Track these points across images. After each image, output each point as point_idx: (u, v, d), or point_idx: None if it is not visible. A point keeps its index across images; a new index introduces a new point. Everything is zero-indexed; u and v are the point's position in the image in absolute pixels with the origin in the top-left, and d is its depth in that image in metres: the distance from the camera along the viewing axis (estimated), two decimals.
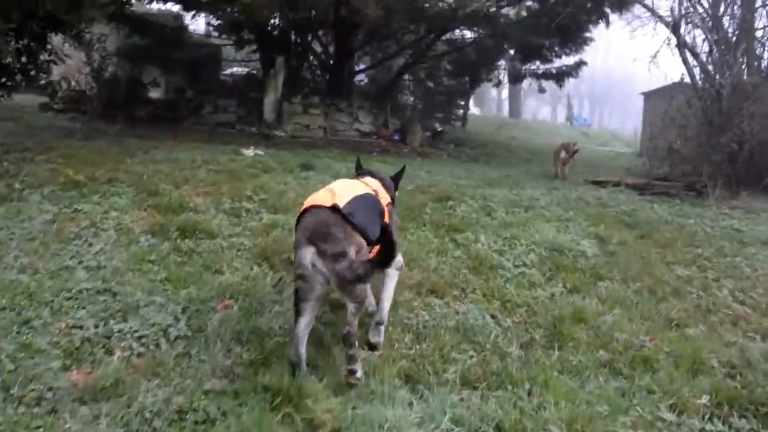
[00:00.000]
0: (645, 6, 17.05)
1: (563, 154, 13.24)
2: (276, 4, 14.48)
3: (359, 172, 4.59)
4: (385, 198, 4.10)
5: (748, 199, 10.83)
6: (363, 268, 3.23)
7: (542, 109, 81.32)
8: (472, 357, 3.89)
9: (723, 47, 14.09)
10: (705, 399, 3.56)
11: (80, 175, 7.16)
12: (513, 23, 19.07)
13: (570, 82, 23.88)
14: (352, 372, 3.41)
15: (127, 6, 14.66)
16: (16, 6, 8.13)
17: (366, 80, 25.17)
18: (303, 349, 3.41)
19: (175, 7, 18.82)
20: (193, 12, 18.81)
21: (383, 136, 18.47)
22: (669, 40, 15.28)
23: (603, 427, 3.19)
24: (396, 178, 4.64)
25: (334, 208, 3.46)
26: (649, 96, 26.61)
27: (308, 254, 3.31)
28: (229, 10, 16.61)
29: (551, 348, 4.14)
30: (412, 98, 26.76)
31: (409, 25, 19.36)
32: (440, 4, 17.31)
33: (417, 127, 19.17)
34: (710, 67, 14.39)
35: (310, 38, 20.24)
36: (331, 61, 20.75)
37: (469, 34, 21.86)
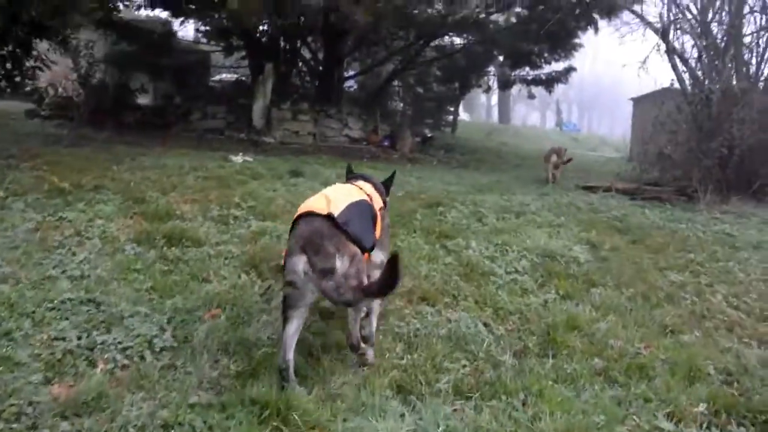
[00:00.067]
0: (634, 12, 17.14)
1: (554, 158, 13.29)
2: (264, 11, 14.38)
3: (352, 175, 4.54)
4: (378, 203, 4.06)
5: (738, 203, 10.84)
6: (351, 294, 3.15)
7: (531, 114, 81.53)
8: (464, 366, 3.80)
9: (712, 53, 14.14)
10: (702, 407, 3.50)
11: (66, 182, 7.04)
12: (502, 29, 19.08)
13: (559, 88, 23.95)
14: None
15: (114, 12, 14.57)
16: None
17: (355, 86, 25.13)
18: (291, 356, 3.34)
19: (164, 14, 18.79)
20: (181, 18, 18.79)
21: (373, 142, 18.43)
22: (658, 45, 15.35)
23: None
24: (387, 184, 4.59)
25: (329, 217, 3.39)
26: (638, 101, 26.71)
27: (300, 263, 3.24)
28: (217, 16, 16.61)
29: (545, 356, 4.06)
30: (401, 104, 26.77)
31: (399, 31, 19.35)
32: (429, 10, 17.25)
33: (407, 133, 19.13)
34: (699, 73, 14.45)
35: (299, 44, 20.20)
36: (321, 68, 20.70)
37: (458, 41, 21.92)
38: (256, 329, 4.01)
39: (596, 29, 18.77)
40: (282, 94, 17.72)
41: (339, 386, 3.41)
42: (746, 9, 14.61)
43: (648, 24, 16.47)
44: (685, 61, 14.80)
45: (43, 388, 3.08)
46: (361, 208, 3.72)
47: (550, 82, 22.19)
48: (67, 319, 3.83)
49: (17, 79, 10.33)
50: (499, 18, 19.70)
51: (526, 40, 18.59)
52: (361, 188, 4.04)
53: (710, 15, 15.00)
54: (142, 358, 3.50)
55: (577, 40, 19.79)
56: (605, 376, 3.85)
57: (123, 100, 16.04)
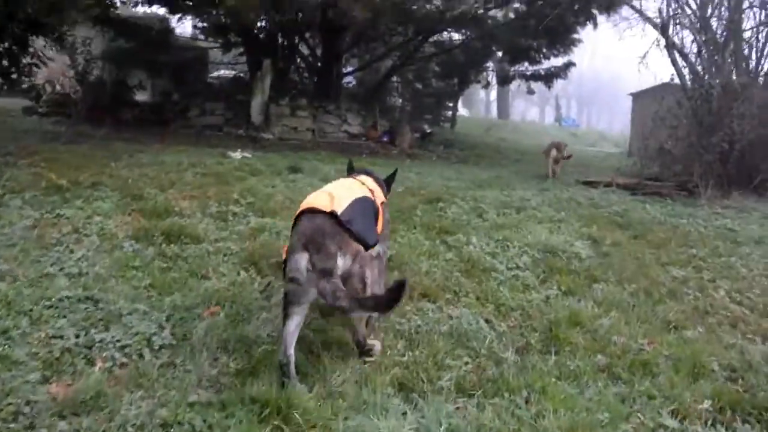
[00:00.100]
0: (633, 7, 17.12)
1: (554, 153, 13.25)
2: (262, 7, 14.33)
3: (355, 170, 4.55)
4: (379, 197, 4.08)
5: (739, 198, 10.81)
6: (346, 301, 3.11)
7: (530, 110, 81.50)
8: (467, 363, 3.76)
9: (711, 48, 14.09)
10: (707, 404, 3.45)
11: (63, 179, 7.00)
12: (501, 25, 19.07)
13: (558, 83, 23.91)
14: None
15: (111, 9, 14.50)
16: None
17: (354, 82, 25.07)
18: (292, 351, 3.31)
19: (161, 10, 18.71)
20: (179, 15, 18.73)
21: (372, 138, 18.39)
22: (658, 41, 15.30)
23: None
24: (388, 181, 4.61)
25: (333, 215, 3.39)
26: (637, 97, 26.65)
27: (303, 260, 3.21)
28: (215, 12, 16.51)
29: (548, 353, 4.02)
30: (400, 100, 26.72)
31: (397, 27, 19.30)
32: (428, 6, 17.22)
33: (406, 128, 19.07)
34: (699, 68, 14.40)
35: (297, 40, 20.15)
36: (319, 63, 20.65)
37: (457, 36, 21.87)
38: (255, 326, 3.97)
39: (595, 24, 18.76)
40: (280, 90, 17.66)
41: (340, 384, 3.37)
42: (746, 4, 14.56)
43: (647, 19, 16.43)
44: (684, 57, 14.76)
45: (40, 387, 3.04)
46: (364, 204, 3.72)
47: (549, 78, 22.17)
48: (65, 317, 3.79)
49: (14, 76, 10.28)
50: (498, 13, 19.72)
51: (524, 35, 18.58)
52: (363, 183, 4.06)
53: (710, 10, 14.96)
54: (141, 356, 3.46)
55: (576, 36, 19.79)
56: (609, 372, 3.80)
57: (121, 97, 16.04)
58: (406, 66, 22.97)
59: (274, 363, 3.41)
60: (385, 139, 18.57)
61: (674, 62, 14.74)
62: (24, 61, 10.28)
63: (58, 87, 14.19)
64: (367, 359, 3.66)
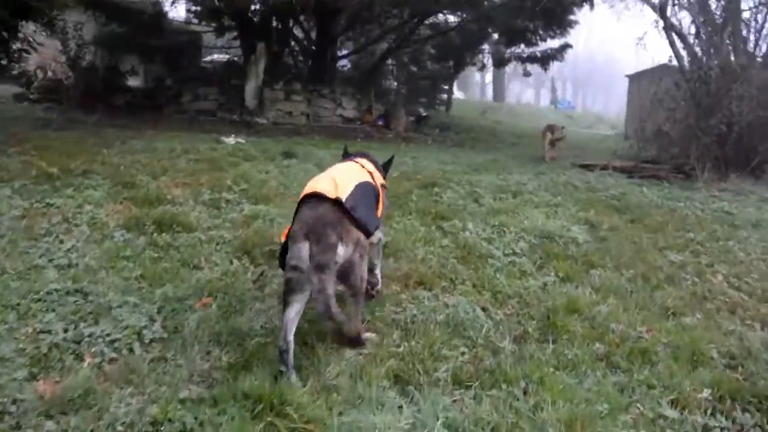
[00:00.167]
0: None
1: (549, 136, 13.44)
2: None
3: (353, 153, 4.56)
4: (379, 179, 4.14)
5: (736, 181, 10.73)
6: (323, 307, 3.08)
7: (526, 92, 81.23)
8: (463, 354, 3.70)
9: (710, 29, 13.97)
10: (706, 393, 3.41)
11: (54, 167, 6.91)
12: (497, 6, 18.88)
13: (554, 66, 23.75)
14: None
15: None
16: None
17: (349, 65, 24.89)
18: (291, 337, 3.28)
19: None
20: None
21: (367, 122, 18.29)
22: (657, 22, 15.17)
23: (603, 427, 3.02)
24: (385, 167, 4.63)
25: (337, 202, 3.41)
26: (634, 78, 26.50)
27: (304, 249, 3.21)
28: None
29: (545, 341, 3.96)
30: (395, 83, 26.56)
31: (392, 9, 19.15)
32: None
33: (401, 112, 18.94)
34: (697, 50, 14.28)
35: (291, 24, 19.97)
36: (313, 47, 20.47)
37: (452, 18, 21.71)
38: (248, 318, 3.91)
39: (591, 5, 18.65)
40: (274, 75, 17.54)
41: (334, 377, 3.31)
42: None
43: (645, 0, 16.29)
44: (683, 38, 14.64)
45: (28, 385, 2.98)
46: (366, 189, 3.77)
47: (545, 60, 22.04)
48: (53, 310, 3.73)
49: (4, 62, 10.15)
50: None
51: (521, 16, 18.41)
52: (362, 166, 4.11)
53: None
54: (131, 350, 3.39)
55: (572, 17, 19.65)
56: (607, 361, 3.75)
57: (113, 83, 15.88)
58: (402, 49, 22.81)
59: (268, 356, 3.36)
60: (380, 122, 18.47)
61: (672, 44, 14.63)
62: (14, 46, 10.15)
63: (49, 73, 14.08)
64: (362, 351, 3.60)
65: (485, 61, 26.17)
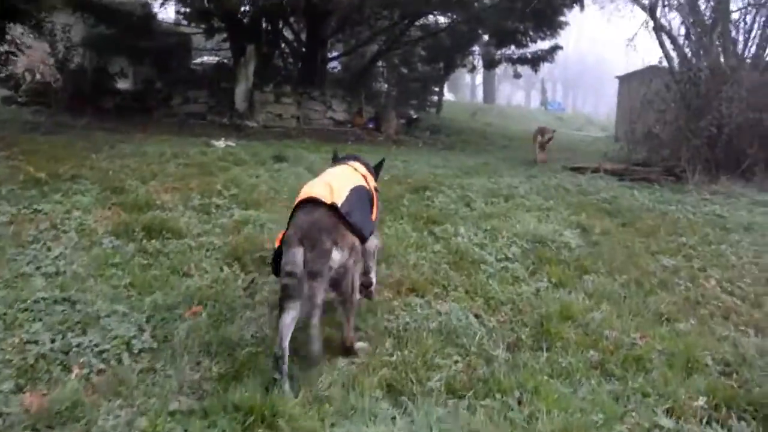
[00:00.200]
0: None
1: (539, 138, 13.60)
2: None
3: (344, 156, 4.57)
4: (372, 182, 4.17)
5: (727, 183, 10.74)
6: (313, 324, 3.15)
7: (516, 94, 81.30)
8: (456, 362, 3.66)
9: (699, 30, 13.99)
10: (702, 401, 3.39)
11: (42, 172, 6.84)
12: (487, 8, 18.86)
13: (544, 67, 23.76)
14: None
15: None
16: None
17: (339, 67, 24.82)
18: (287, 343, 3.23)
19: None
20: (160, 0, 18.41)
21: (357, 125, 18.23)
22: (646, 23, 15.20)
23: None
24: (377, 170, 4.63)
25: (333, 207, 3.41)
26: (624, 80, 26.56)
27: (299, 255, 3.21)
28: None
29: (539, 349, 3.93)
30: (386, 85, 26.51)
31: (382, 10, 19.10)
32: None
33: (392, 114, 18.88)
34: (687, 51, 14.30)
35: (281, 25, 19.89)
36: (304, 49, 20.38)
37: (443, 20, 21.68)
38: (239, 327, 3.85)
39: (582, 6, 18.68)
40: (264, 77, 17.46)
41: (326, 387, 3.26)
42: None
43: (635, 0, 16.31)
44: (673, 39, 14.66)
45: (14, 397, 2.92)
46: (360, 193, 3.78)
47: (536, 61, 22.04)
48: (40, 320, 3.66)
49: None
50: None
51: (511, 18, 18.41)
52: (355, 169, 4.12)
53: None
54: (120, 361, 3.34)
55: (562, 18, 19.66)
56: (602, 369, 3.72)
57: (102, 85, 15.77)
58: (392, 50, 22.77)
59: (259, 366, 3.32)
60: (370, 125, 18.42)
61: (662, 45, 14.65)
62: (1, 49, 10.06)
63: (38, 75, 13.98)
64: (355, 360, 3.56)
65: (475, 62, 26.15)
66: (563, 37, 21.54)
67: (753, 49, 13.77)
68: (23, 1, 8.95)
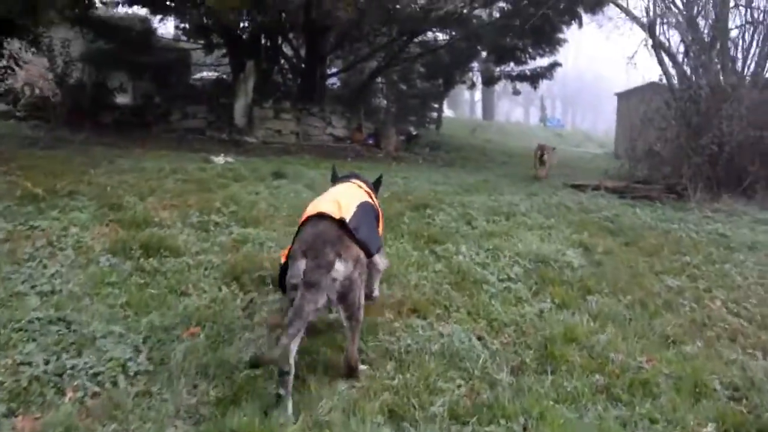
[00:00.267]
0: (620, 6, 17.02)
1: (540, 155, 13.63)
2: (244, 6, 14.10)
3: (344, 174, 4.60)
4: (375, 199, 4.24)
5: (729, 201, 10.67)
6: (289, 334, 3.07)
7: (515, 110, 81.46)
8: (459, 386, 3.58)
9: (698, 48, 14.00)
10: (711, 427, 3.33)
11: (39, 187, 6.72)
12: (486, 25, 18.93)
13: (543, 84, 23.79)
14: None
15: (90, 9, 14.21)
16: None
17: (338, 84, 24.81)
18: (293, 361, 3.17)
19: (142, 10, 18.42)
20: (160, 15, 18.46)
21: (357, 141, 18.18)
22: (646, 41, 15.21)
23: None
24: (375, 186, 4.64)
25: (341, 222, 3.44)
26: (623, 97, 26.58)
27: (302, 266, 3.21)
28: (196, 13, 16.24)
29: (543, 372, 3.85)
30: (385, 101, 26.48)
31: (381, 27, 19.11)
32: (412, 6, 17.04)
33: (391, 131, 18.83)
34: (686, 68, 14.30)
35: (280, 41, 19.89)
36: (303, 65, 20.38)
37: (442, 36, 21.70)
38: (237, 348, 3.77)
39: (580, 24, 18.72)
40: (264, 93, 17.42)
41: (327, 412, 3.18)
42: (732, 3, 14.47)
43: (634, 18, 16.35)
44: (672, 56, 14.67)
45: (5, 421, 2.85)
46: (366, 208, 3.82)
47: (534, 78, 22.08)
48: (34, 340, 3.58)
49: None
50: (483, 13, 19.55)
51: (510, 35, 18.49)
52: (360, 186, 4.19)
53: (696, 9, 14.86)
54: (115, 384, 3.26)
55: (561, 35, 19.71)
56: (608, 393, 3.65)
57: (101, 100, 15.71)
58: (391, 67, 22.76)
59: (258, 390, 3.24)
60: (370, 141, 18.36)
61: (661, 62, 14.67)
62: None
63: (36, 90, 13.94)
64: (355, 383, 3.48)
65: (475, 79, 26.17)
66: (562, 54, 21.64)
67: (752, 67, 13.79)
68: (21, 16, 8.89)
